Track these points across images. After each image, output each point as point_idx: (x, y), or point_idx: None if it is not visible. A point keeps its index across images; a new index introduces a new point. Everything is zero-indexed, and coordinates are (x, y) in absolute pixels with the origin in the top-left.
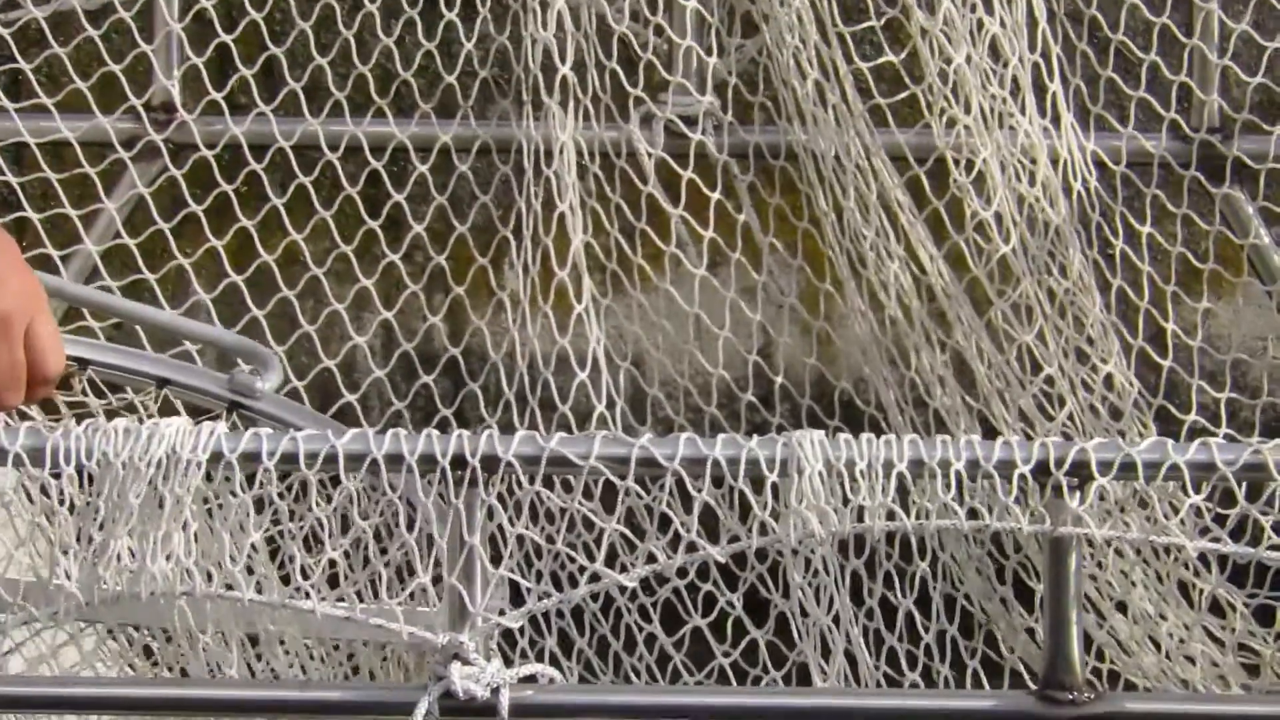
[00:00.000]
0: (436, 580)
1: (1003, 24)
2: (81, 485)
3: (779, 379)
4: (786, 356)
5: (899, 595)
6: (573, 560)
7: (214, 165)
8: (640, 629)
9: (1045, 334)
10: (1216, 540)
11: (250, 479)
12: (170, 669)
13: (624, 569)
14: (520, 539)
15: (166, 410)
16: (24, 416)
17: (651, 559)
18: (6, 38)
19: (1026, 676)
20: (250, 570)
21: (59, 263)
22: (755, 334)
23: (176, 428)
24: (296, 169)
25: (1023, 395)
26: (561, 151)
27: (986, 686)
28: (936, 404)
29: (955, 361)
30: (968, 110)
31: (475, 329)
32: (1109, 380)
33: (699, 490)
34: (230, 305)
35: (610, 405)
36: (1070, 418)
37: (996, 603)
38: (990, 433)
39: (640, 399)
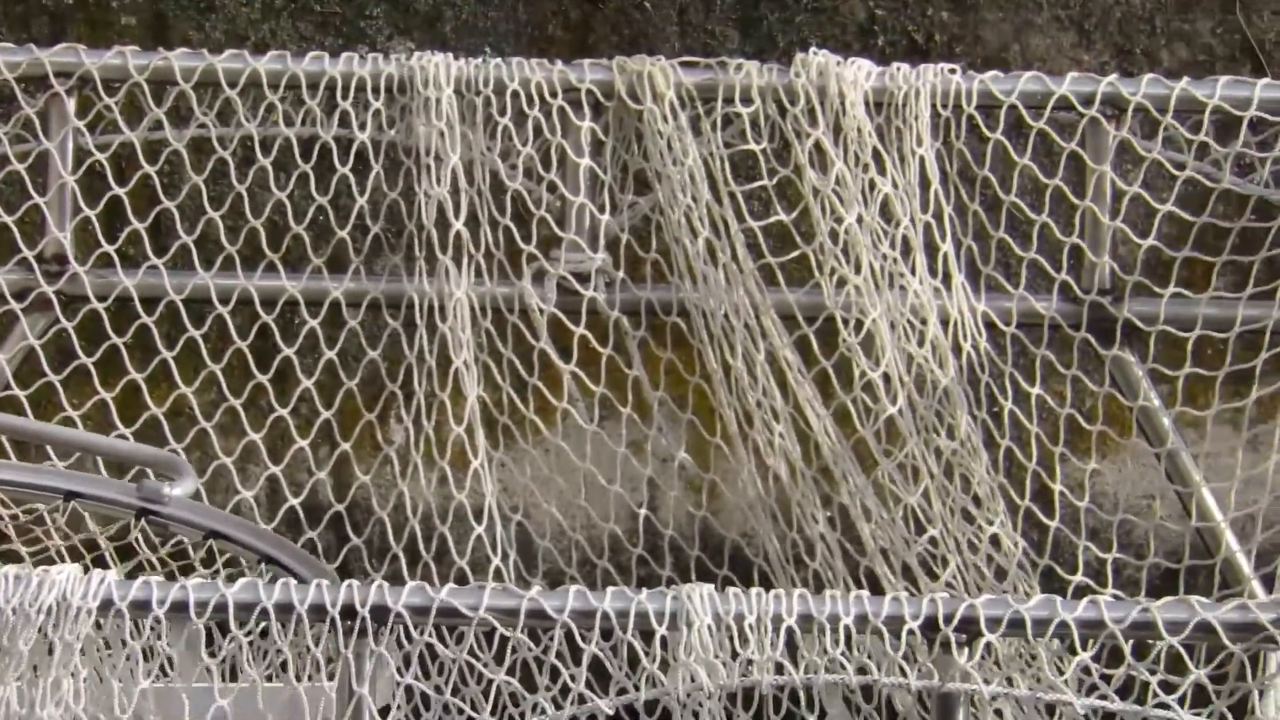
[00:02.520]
0: None
1: (895, 184)
2: None
3: (668, 531)
4: (675, 509)
5: None
6: (461, 712)
7: (105, 317)
8: None
9: (931, 494)
10: (1104, 698)
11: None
12: None
13: None
14: (409, 690)
15: (74, 522)
16: None
17: (540, 710)
18: None
19: None
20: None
21: None
22: (644, 488)
23: (68, 574)
24: (186, 322)
25: (907, 554)
26: (456, 307)
27: None
28: (816, 564)
29: (841, 519)
30: (858, 270)
31: (361, 484)
32: (995, 540)
33: (589, 642)
34: None
35: (504, 558)
36: (954, 577)
37: None
38: (876, 591)
39: (530, 551)
